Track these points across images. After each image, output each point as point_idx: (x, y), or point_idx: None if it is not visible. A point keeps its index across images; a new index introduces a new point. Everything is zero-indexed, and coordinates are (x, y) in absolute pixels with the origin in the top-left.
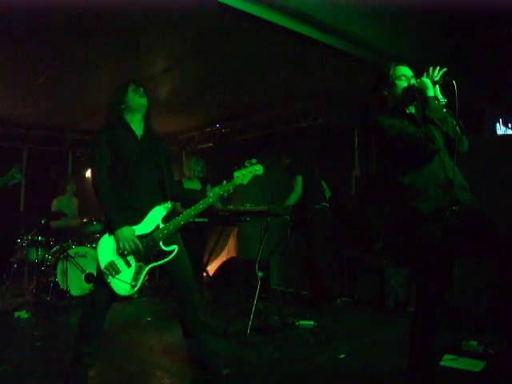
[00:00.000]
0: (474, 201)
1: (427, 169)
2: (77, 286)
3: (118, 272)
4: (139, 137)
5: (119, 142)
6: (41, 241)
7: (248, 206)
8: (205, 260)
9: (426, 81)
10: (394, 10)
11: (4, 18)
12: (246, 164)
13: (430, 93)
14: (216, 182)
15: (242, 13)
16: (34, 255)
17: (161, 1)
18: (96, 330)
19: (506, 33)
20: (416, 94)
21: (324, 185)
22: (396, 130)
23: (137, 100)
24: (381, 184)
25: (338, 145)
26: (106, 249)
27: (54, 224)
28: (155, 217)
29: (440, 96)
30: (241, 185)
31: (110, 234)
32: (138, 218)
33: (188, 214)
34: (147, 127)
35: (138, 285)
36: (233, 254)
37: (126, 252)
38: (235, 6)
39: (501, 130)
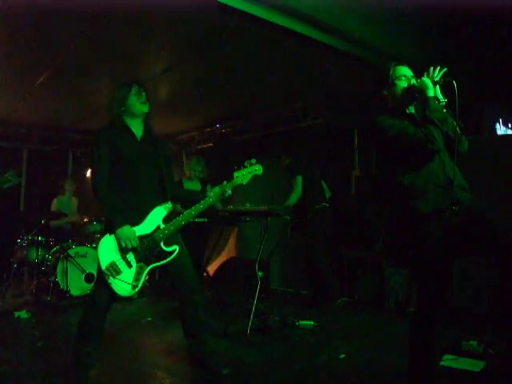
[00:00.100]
0: (474, 201)
1: (427, 169)
2: (77, 285)
3: (118, 272)
4: (139, 138)
5: (119, 143)
6: (41, 241)
7: (248, 206)
8: (205, 260)
9: (427, 81)
10: (393, 10)
11: (4, 18)
12: (246, 164)
13: (431, 93)
14: (216, 182)
15: (242, 13)
16: (34, 255)
17: (161, 1)
18: (96, 330)
19: (506, 33)
20: (416, 94)
21: (324, 185)
22: (396, 130)
23: (138, 106)
24: (381, 184)
25: (338, 145)
26: (107, 249)
27: (53, 223)
28: (156, 217)
29: (440, 96)
30: (240, 185)
31: (110, 234)
32: (138, 219)
33: (188, 214)
34: (147, 128)
35: (139, 285)
36: (233, 254)
37: (127, 250)
38: (235, 6)
39: (501, 130)
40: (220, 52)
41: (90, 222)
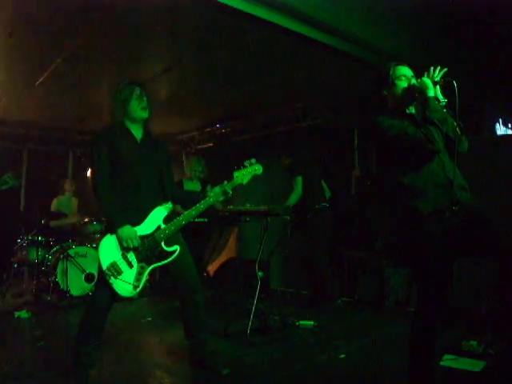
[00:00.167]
0: (474, 201)
1: (427, 169)
2: (77, 285)
3: (120, 273)
4: (139, 140)
5: (119, 144)
6: (41, 241)
7: (248, 206)
8: (205, 260)
9: (427, 81)
10: (393, 10)
11: (5, 18)
12: (246, 164)
13: (431, 93)
14: (216, 182)
15: (242, 13)
16: (34, 255)
17: (161, 1)
18: (97, 330)
19: (506, 33)
20: (416, 94)
21: (324, 185)
22: (395, 130)
23: (138, 112)
24: (381, 184)
25: (338, 145)
26: (108, 249)
27: (53, 223)
28: (156, 217)
29: (440, 96)
30: (240, 185)
31: (111, 234)
32: (138, 219)
33: (189, 214)
34: (146, 130)
35: (141, 285)
36: (233, 254)
37: (128, 250)
38: (235, 6)
39: (501, 130)
40: (220, 52)
41: (90, 222)
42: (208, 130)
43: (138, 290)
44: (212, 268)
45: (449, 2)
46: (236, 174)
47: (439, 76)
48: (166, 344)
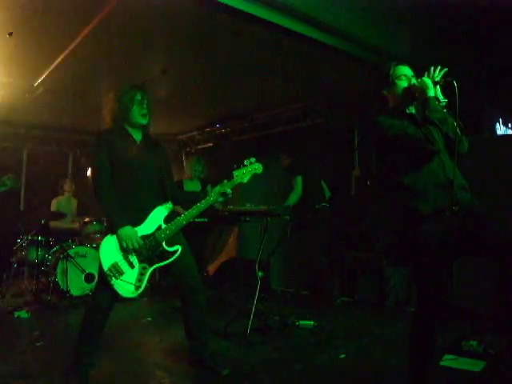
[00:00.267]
0: (474, 201)
1: (427, 169)
2: (77, 285)
3: (121, 273)
4: (138, 142)
5: (119, 146)
6: (41, 241)
7: (248, 206)
8: (205, 260)
9: (427, 81)
10: (393, 10)
11: (5, 18)
12: (245, 163)
13: (431, 93)
14: (216, 182)
15: (241, 13)
16: (34, 255)
17: (161, 1)
18: (97, 330)
19: (506, 33)
20: (416, 93)
21: (324, 185)
22: (395, 130)
23: (138, 119)
24: (381, 184)
25: (337, 145)
26: (109, 250)
27: (53, 224)
28: (157, 217)
29: (440, 96)
30: (241, 183)
31: (112, 235)
32: (139, 219)
33: (190, 214)
34: (145, 133)
35: (142, 286)
36: (233, 254)
37: (129, 251)
38: (235, 6)
39: (501, 130)
40: (220, 52)
41: (90, 222)
42: (208, 129)
43: (140, 290)
44: (212, 268)
45: (449, 1)
46: (236, 173)
47: (439, 76)
48: (166, 344)
